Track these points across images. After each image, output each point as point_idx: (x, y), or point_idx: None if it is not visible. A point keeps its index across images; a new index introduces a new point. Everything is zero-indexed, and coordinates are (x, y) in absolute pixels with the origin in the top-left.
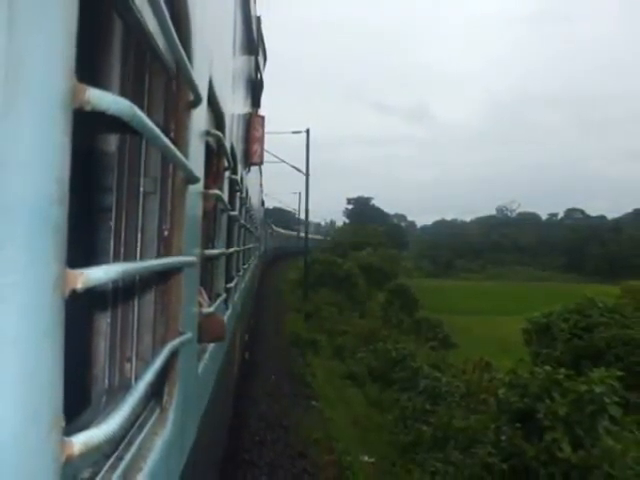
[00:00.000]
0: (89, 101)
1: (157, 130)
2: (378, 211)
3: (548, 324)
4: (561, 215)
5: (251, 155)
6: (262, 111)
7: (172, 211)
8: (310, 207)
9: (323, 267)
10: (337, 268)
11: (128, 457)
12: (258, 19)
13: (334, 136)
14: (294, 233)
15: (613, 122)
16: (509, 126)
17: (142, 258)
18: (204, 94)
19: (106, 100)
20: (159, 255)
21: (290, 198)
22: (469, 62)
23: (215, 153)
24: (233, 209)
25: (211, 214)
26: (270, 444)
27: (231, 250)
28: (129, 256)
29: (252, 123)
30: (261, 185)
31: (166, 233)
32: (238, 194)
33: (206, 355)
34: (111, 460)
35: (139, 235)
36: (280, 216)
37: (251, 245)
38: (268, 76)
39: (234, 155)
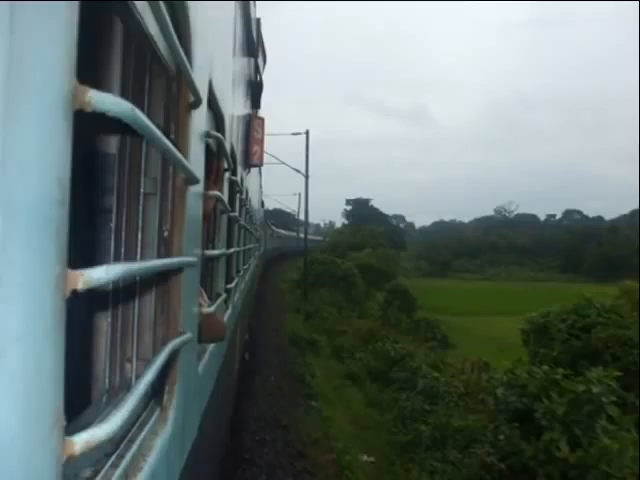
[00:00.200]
0: (90, 102)
1: (157, 131)
2: (377, 212)
3: (546, 324)
4: (559, 216)
5: (251, 156)
6: (262, 113)
7: (172, 212)
8: (310, 208)
9: (322, 267)
10: (336, 268)
11: (129, 456)
12: (258, 21)
13: (333, 138)
14: (294, 234)
15: (611, 124)
16: (507, 128)
17: (143, 258)
18: (204, 96)
19: (107, 101)
20: (159, 255)
21: (290, 199)
22: (467, 65)
23: (215, 154)
24: (233, 210)
25: (211, 215)
26: (270, 443)
27: (231, 251)
28: (130, 256)
29: (252, 125)
30: (261, 186)
31: (166, 234)
32: (238, 195)
33: (206, 355)
34: (112, 459)
35: (139, 235)
36: (280, 217)
37: (251, 246)
38: (268, 78)
39: (234, 156)
